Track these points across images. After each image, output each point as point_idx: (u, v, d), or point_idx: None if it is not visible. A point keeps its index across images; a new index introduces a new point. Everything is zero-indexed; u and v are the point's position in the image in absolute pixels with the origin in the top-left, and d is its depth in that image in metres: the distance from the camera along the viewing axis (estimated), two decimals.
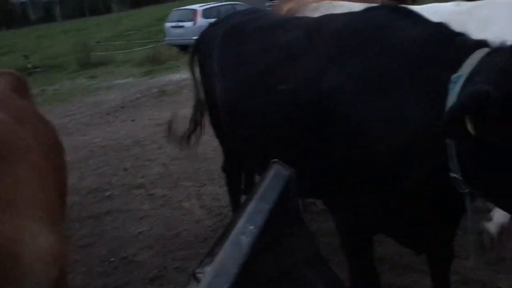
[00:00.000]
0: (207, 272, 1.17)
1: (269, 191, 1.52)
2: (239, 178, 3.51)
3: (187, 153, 5.91)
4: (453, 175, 1.64)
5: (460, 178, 1.63)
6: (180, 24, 19.29)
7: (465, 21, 2.98)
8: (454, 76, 1.61)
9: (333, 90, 2.02)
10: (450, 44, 1.76)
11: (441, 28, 1.89)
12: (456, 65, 1.64)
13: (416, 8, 3.55)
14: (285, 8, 6.87)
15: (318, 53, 2.17)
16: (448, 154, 1.63)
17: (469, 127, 1.43)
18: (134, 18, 40.60)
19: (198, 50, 3.23)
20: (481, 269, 2.96)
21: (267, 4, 21.98)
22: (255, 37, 2.60)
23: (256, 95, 2.41)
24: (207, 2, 22.41)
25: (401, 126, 1.79)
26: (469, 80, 1.57)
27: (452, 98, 1.59)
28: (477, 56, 1.62)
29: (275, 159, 1.64)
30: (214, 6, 20.85)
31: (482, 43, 1.71)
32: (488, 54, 1.61)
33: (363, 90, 1.92)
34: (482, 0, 3.27)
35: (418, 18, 2.01)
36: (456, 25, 3.15)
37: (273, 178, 1.59)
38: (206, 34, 3.22)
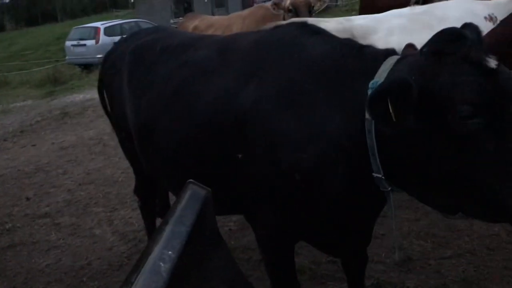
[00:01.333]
0: None
1: (186, 213, 1.47)
2: (153, 200, 3.40)
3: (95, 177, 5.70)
4: (376, 175, 1.74)
5: (382, 177, 1.73)
6: (82, 42, 18.64)
7: (428, 20, 3.53)
8: (371, 82, 1.71)
9: (250, 106, 2.02)
10: (362, 55, 1.88)
11: (349, 41, 2.01)
12: (370, 73, 1.75)
13: (381, 14, 3.90)
14: (191, 26, 6.89)
15: (232, 69, 2.18)
16: (371, 156, 1.72)
17: (391, 110, 1.51)
18: (30, 37, 38.47)
19: (104, 71, 3.11)
20: (392, 270, 3.12)
21: (172, 21, 21.89)
22: (166, 56, 2.55)
23: (170, 114, 2.36)
24: (106, 20, 21.86)
25: (322, 138, 1.84)
26: None
27: None
28: (389, 63, 1.74)
29: (190, 179, 1.60)
30: (117, 24, 20.41)
31: (391, 51, 1.84)
32: (398, 60, 1.73)
33: (280, 105, 1.95)
34: (432, 3, 3.91)
35: (326, 34, 2.11)
36: (423, 23, 3.50)
37: (189, 199, 1.54)
38: (112, 53, 3.10)
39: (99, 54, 16.44)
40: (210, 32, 6.17)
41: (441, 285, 2.95)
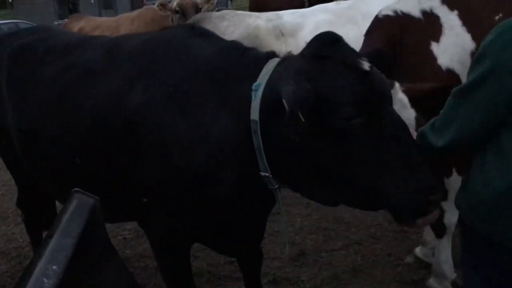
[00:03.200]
0: None
1: (72, 224, 1.40)
2: (39, 212, 3.17)
3: None
4: (264, 173, 1.80)
5: (270, 175, 1.79)
6: None
7: (352, 14, 3.62)
8: (255, 84, 1.77)
9: (137, 109, 1.98)
10: (244, 58, 1.93)
11: (234, 44, 2.06)
12: (253, 75, 1.81)
13: (307, 9, 3.96)
14: (76, 27, 6.56)
15: (119, 72, 2.12)
16: (258, 156, 1.78)
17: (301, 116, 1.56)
18: None
19: None
20: (288, 266, 3.23)
21: (55, 23, 20.67)
22: (50, 58, 2.40)
23: (55, 119, 2.24)
24: None
25: (210, 140, 1.86)
26: (268, 85, 1.74)
27: (256, 103, 1.76)
28: (271, 65, 1.81)
29: (76, 188, 1.52)
30: None
31: (271, 54, 1.91)
32: (279, 63, 1.81)
33: (167, 108, 1.94)
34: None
35: (213, 36, 2.14)
36: (347, 18, 3.50)
37: (75, 209, 1.47)
38: None
39: None
40: (96, 34, 5.92)
41: (333, 276, 3.10)
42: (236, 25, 3.78)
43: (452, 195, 2.48)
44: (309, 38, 3.43)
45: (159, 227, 2.16)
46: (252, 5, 7.18)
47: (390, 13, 2.50)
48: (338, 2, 4.26)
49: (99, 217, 1.56)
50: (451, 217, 2.56)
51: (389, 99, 1.71)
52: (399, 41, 2.42)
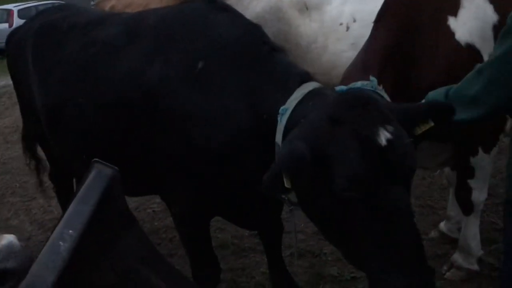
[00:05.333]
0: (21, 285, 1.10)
1: (90, 192, 1.46)
2: (70, 185, 3.30)
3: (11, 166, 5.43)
4: (280, 195, 1.77)
5: (285, 197, 1.80)
6: None
7: None
8: (282, 108, 1.77)
9: (156, 84, 2.02)
10: (274, 62, 1.92)
11: (257, 30, 2.05)
12: (282, 90, 1.82)
13: None
14: (108, 6, 6.65)
15: (139, 47, 2.15)
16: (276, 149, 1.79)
17: (286, 183, 1.53)
18: None
19: (9, 52, 2.96)
20: (311, 239, 3.25)
21: (92, 3, 20.95)
22: (74, 35, 2.47)
23: (78, 93, 2.30)
24: (20, 1, 20.60)
25: (229, 121, 1.89)
26: (293, 116, 1.74)
27: (280, 127, 1.76)
28: (301, 93, 1.79)
29: (96, 159, 1.57)
30: (32, 6, 19.21)
31: (305, 76, 1.89)
32: (309, 95, 1.78)
33: (187, 84, 1.96)
34: None
35: (234, 13, 2.13)
36: None
37: (94, 178, 1.52)
38: (15, 34, 2.96)
39: None
40: (126, 11, 6.00)
41: None
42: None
43: (478, 173, 2.46)
44: (334, 13, 3.42)
45: (179, 200, 2.22)
46: None
47: None
48: None
49: (118, 187, 1.60)
50: (479, 195, 2.53)
51: (404, 176, 1.56)
52: (413, 23, 2.24)
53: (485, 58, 2.17)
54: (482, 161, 2.43)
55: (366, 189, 1.49)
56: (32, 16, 3.11)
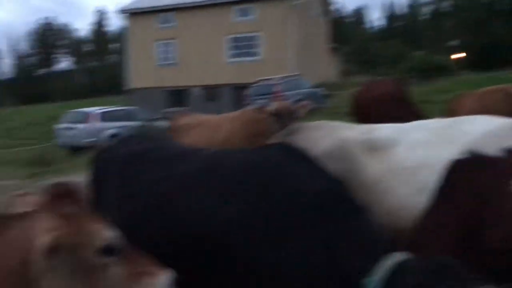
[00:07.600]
0: None
1: None
2: None
3: None
4: None
5: None
6: (72, 126, 18.83)
7: (453, 134, 3.36)
8: (369, 279, 1.77)
9: (226, 226, 2.07)
10: (363, 222, 1.95)
11: (339, 186, 2.11)
12: (366, 255, 1.82)
13: (408, 124, 3.82)
14: (183, 122, 7.18)
15: (214, 187, 2.24)
16: None
17: None
18: (25, 115, 38.66)
19: (95, 170, 3.17)
20: None
21: (164, 111, 22.35)
22: (154, 167, 2.62)
23: (150, 226, 2.38)
24: (99, 105, 22.31)
25: (305, 275, 1.88)
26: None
27: None
28: (388, 263, 1.79)
29: None
30: (113, 110, 20.69)
31: (388, 244, 1.90)
32: (396, 268, 1.78)
33: (261, 231, 1.99)
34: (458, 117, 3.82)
35: (312, 163, 2.20)
36: (446, 138, 3.36)
37: None
38: (103, 154, 3.18)
39: (88, 138, 16.86)
40: (199, 129, 6.49)
41: None
42: (326, 136, 3.83)
43: None
44: (402, 156, 3.43)
45: None
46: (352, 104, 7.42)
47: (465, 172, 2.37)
48: (437, 120, 3.92)
49: None
50: None
51: None
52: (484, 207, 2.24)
53: None
54: None
55: None
56: (117, 142, 3.36)
